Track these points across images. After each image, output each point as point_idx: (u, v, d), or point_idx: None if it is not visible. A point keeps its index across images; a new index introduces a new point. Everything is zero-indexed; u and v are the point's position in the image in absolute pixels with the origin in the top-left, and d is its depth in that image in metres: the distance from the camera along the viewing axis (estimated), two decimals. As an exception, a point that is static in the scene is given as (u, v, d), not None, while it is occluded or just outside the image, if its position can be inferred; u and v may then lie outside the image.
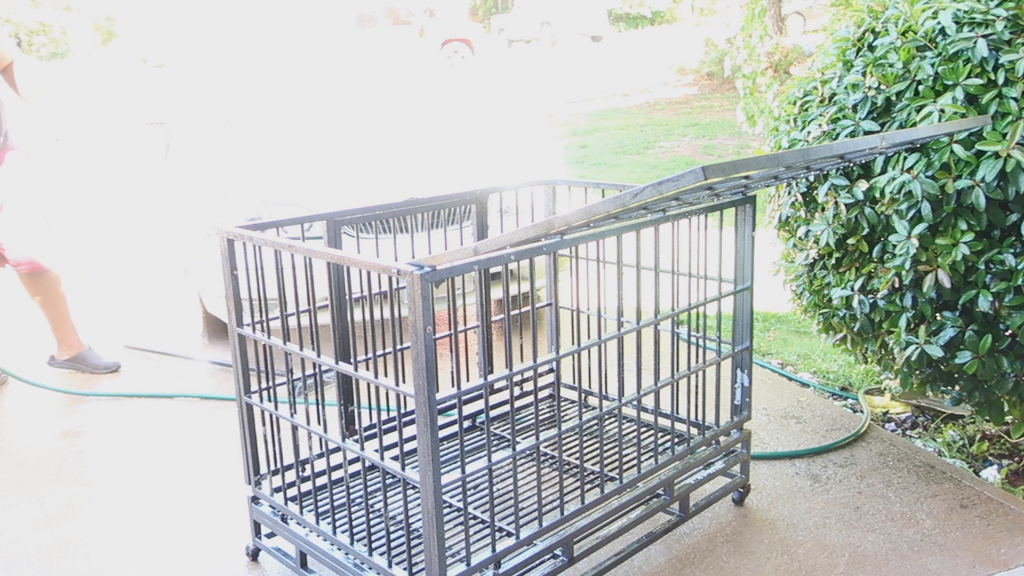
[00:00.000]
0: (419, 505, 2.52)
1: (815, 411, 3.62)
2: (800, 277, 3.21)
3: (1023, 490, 3.02)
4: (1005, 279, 2.48)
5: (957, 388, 2.79)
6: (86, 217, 7.89)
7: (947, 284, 2.53)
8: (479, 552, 2.21)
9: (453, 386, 2.37)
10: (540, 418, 3.05)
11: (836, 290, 2.90)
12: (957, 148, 2.48)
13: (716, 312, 2.84)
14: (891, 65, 2.74)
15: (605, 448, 2.89)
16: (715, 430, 2.77)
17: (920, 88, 2.64)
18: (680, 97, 15.32)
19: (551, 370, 3.32)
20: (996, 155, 2.42)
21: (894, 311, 2.71)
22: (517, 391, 3.21)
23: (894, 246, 2.64)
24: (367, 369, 2.57)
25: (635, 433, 2.62)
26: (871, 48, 2.90)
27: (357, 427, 2.59)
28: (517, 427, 3.07)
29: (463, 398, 2.20)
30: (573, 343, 2.85)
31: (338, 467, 2.62)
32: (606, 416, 2.58)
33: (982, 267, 2.51)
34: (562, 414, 3.20)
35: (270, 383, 2.45)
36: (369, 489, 2.53)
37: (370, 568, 2.24)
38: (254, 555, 2.64)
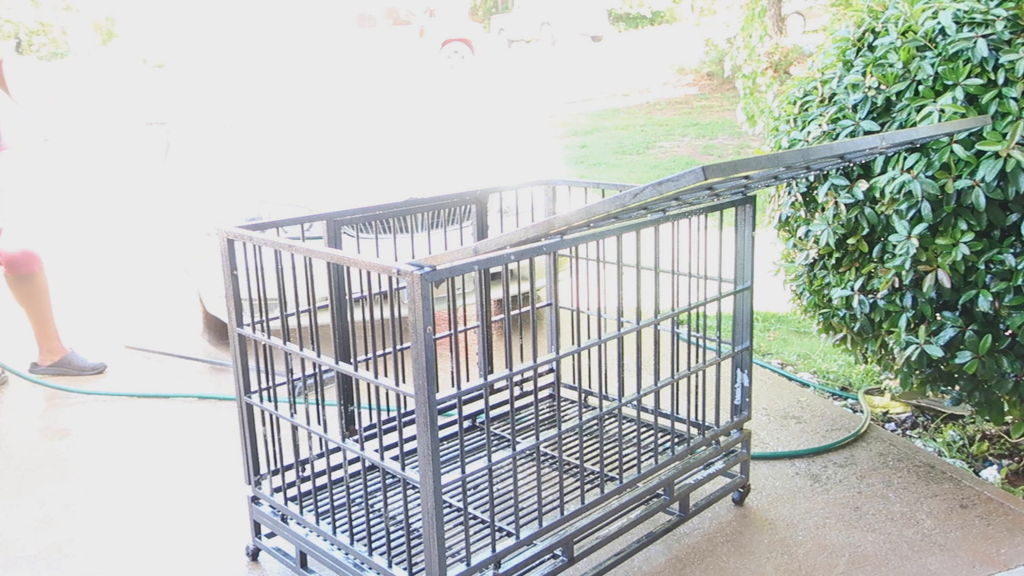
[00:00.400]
0: (419, 505, 2.51)
1: (815, 411, 3.62)
2: (800, 277, 3.21)
3: (1023, 490, 3.02)
4: (1005, 279, 2.48)
5: (957, 388, 2.79)
6: (85, 217, 7.89)
7: (947, 284, 2.53)
8: (479, 552, 2.21)
9: (453, 386, 2.37)
10: (540, 418, 3.05)
11: (836, 290, 2.90)
12: (957, 148, 2.48)
13: (716, 312, 2.84)
14: (891, 65, 2.74)
15: (605, 448, 2.89)
16: (715, 430, 2.77)
17: (920, 88, 2.64)
18: (680, 97, 15.32)
19: (551, 370, 3.32)
20: (996, 155, 2.42)
21: (894, 311, 2.71)
22: (517, 391, 3.21)
23: (894, 246, 2.64)
24: (367, 369, 2.57)
25: (635, 433, 2.62)
26: (871, 48, 2.90)
27: (357, 427, 2.59)
28: (517, 427, 3.07)
29: (463, 398, 2.20)
30: (573, 343, 2.85)
31: (338, 467, 2.62)
32: (606, 416, 2.58)
33: (982, 267, 2.51)
34: (562, 414, 3.20)
35: (270, 383, 2.45)
36: (369, 489, 2.53)
37: (370, 568, 2.24)
38: (254, 555, 2.64)
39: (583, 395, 2.96)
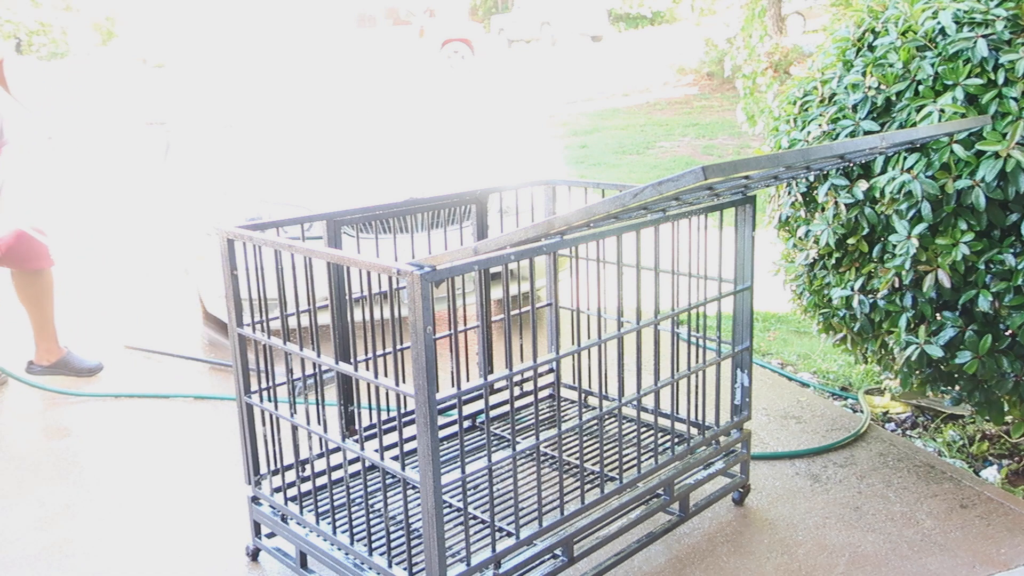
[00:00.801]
0: (419, 505, 2.51)
1: (815, 411, 3.62)
2: (800, 277, 3.21)
3: (1023, 490, 3.02)
4: (1005, 279, 2.48)
5: (957, 388, 2.79)
6: (85, 217, 7.89)
7: (947, 284, 2.53)
8: (479, 552, 2.21)
9: (453, 386, 2.37)
10: (540, 418, 3.05)
11: (836, 290, 2.90)
12: (957, 148, 2.48)
13: (716, 312, 2.84)
14: (891, 65, 2.74)
15: (605, 448, 2.89)
16: (715, 430, 2.77)
17: (920, 88, 2.64)
18: (680, 97, 15.32)
19: (551, 370, 3.32)
20: (996, 155, 2.42)
21: (894, 311, 2.71)
22: (517, 391, 3.21)
23: (894, 246, 2.64)
24: (367, 369, 2.57)
25: (635, 433, 2.62)
26: (871, 48, 2.90)
27: (357, 427, 2.59)
28: (517, 427, 3.07)
29: (463, 398, 2.20)
30: (573, 343, 2.85)
31: (338, 467, 2.62)
32: (606, 416, 2.58)
33: (982, 267, 2.51)
34: (562, 414, 3.20)
35: (270, 383, 2.45)
36: (369, 489, 2.53)
37: (370, 568, 2.24)
38: (254, 555, 2.64)
39: (583, 395, 2.96)
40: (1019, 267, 2.44)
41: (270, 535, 2.62)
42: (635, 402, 2.50)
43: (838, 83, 2.92)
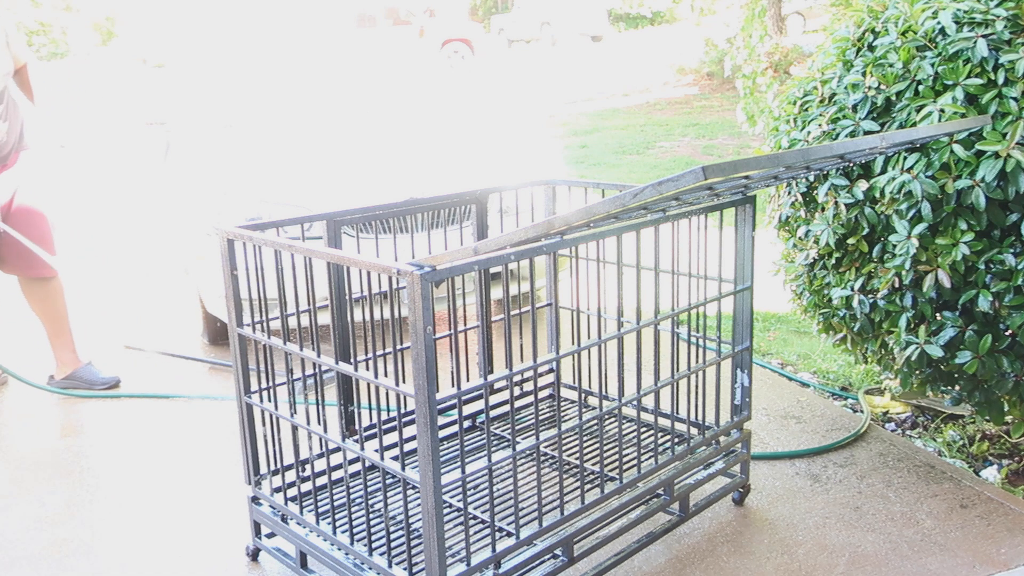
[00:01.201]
0: (419, 505, 2.51)
1: (815, 411, 3.62)
2: (800, 277, 3.21)
3: (1023, 490, 3.02)
4: (1005, 279, 2.48)
5: (957, 388, 2.79)
6: (86, 217, 7.89)
7: (947, 284, 2.53)
8: (479, 552, 2.21)
9: (453, 386, 2.37)
10: (540, 418, 3.05)
11: (836, 290, 2.90)
12: (957, 148, 2.48)
13: (716, 312, 2.84)
14: (891, 65, 2.74)
15: (605, 448, 2.89)
16: (715, 430, 2.77)
17: (920, 88, 2.64)
18: (680, 97, 15.32)
19: (551, 370, 3.32)
20: (996, 155, 2.42)
21: (894, 311, 2.71)
22: (517, 391, 3.21)
23: (894, 246, 2.64)
24: (367, 369, 2.57)
25: (635, 433, 2.62)
26: (871, 48, 2.90)
27: (357, 427, 2.59)
28: (517, 427, 3.07)
29: (463, 398, 2.20)
30: (573, 343, 2.85)
31: (338, 467, 2.62)
32: (606, 416, 2.58)
33: (982, 267, 2.51)
34: (562, 414, 3.20)
35: (270, 383, 2.45)
36: (369, 489, 2.53)
37: (370, 568, 2.24)
38: (254, 555, 2.64)
39: (583, 395, 2.96)
40: (1019, 267, 2.44)
41: (270, 535, 2.62)
42: (635, 402, 2.50)
43: (838, 83, 2.92)
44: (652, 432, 2.89)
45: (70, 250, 6.56)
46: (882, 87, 2.73)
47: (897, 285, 2.69)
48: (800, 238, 3.11)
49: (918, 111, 2.60)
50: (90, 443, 3.53)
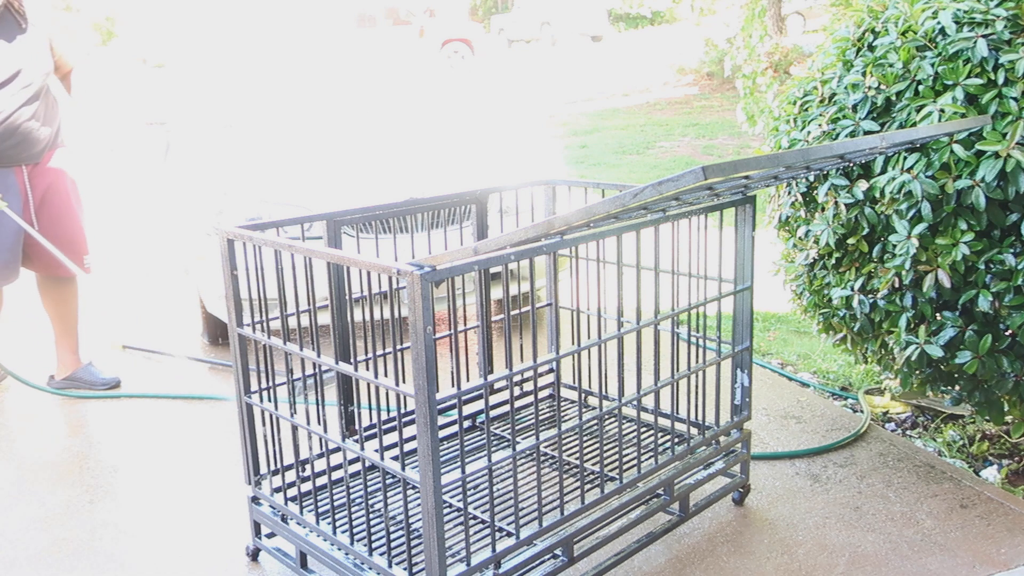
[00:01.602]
0: (419, 505, 2.51)
1: (815, 411, 3.62)
2: (800, 277, 3.21)
3: (1023, 490, 3.02)
4: (1005, 279, 2.48)
5: (957, 388, 2.79)
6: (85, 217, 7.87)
7: (947, 284, 2.53)
8: (479, 552, 2.21)
9: (453, 386, 2.37)
10: (540, 418, 3.05)
11: (836, 290, 2.90)
12: (957, 148, 2.48)
13: (716, 312, 2.84)
14: (891, 65, 2.74)
15: (605, 448, 2.89)
16: (715, 430, 2.77)
17: (920, 88, 2.64)
18: (680, 97, 15.32)
19: (551, 370, 3.32)
20: (996, 155, 2.42)
21: (894, 311, 2.71)
22: (517, 391, 3.21)
23: (894, 246, 2.64)
24: (367, 369, 2.57)
25: (635, 433, 2.62)
26: (871, 48, 2.90)
27: (357, 427, 2.59)
28: (517, 427, 3.07)
29: (463, 398, 2.20)
30: (573, 343, 2.85)
31: (338, 467, 2.62)
32: (606, 416, 2.58)
33: (982, 267, 2.51)
34: (562, 414, 3.20)
35: (270, 383, 2.45)
36: (369, 489, 2.53)
37: (370, 568, 2.24)
38: (254, 555, 2.64)
39: (583, 395, 2.96)
40: (1019, 267, 2.44)
41: (270, 535, 2.62)
42: (635, 402, 2.50)
43: (838, 83, 2.92)
44: (652, 432, 2.89)
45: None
46: (882, 87, 2.73)
47: (897, 285, 2.69)
48: (800, 238, 3.11)
49: (918, 111, 2.60)
50: (90, 443, 3.53)
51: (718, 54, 15.06)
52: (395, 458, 2.14)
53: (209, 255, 4.07)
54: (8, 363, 4.22)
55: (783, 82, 8.04)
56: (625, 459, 2.67)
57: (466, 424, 3.16)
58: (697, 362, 2.67)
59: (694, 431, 2.76)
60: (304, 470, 2.64)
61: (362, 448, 2.19)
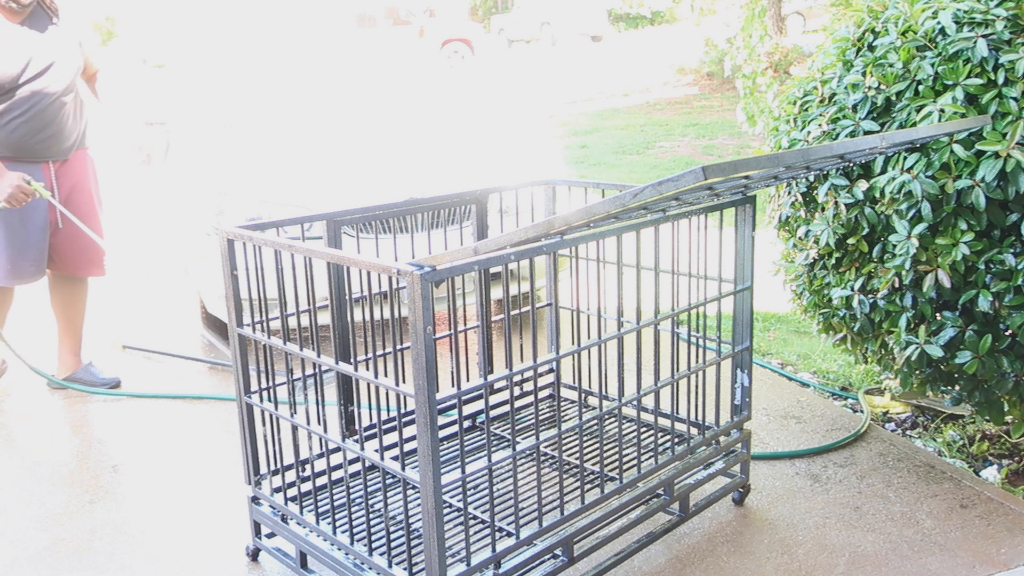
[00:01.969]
0: (419, 505, 2.51)
1: (815, 411, 3.62)
2: (800, 277, 3.21)
3: (1023, 490, 3.02)
4: (1005, 279, 2.48)
5: (957, 388, 2.79)
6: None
7: (947, 284, 2.53)
8: (479, 552, 2.21)
9: (453, 386, 2.37)
10: (540, 418, 3.05)
11: (836, 290, 2.90)
12: (957, 148, 2.48)
13: (716, 312, 2.84)
14: (891, 65, 2.74)
15: (605, 448, 2.89)
16: (715, 430, 2.77)
17: (920, 88, 2.64)
18: (680, 97, 15.32)
19: (551, 370, 3.32)
20: (996, 155, 2.42)
21: (894, 311, 2.71)
22: (517, 391, 3.21)
23: (894, 246, 2.64)
24: (367, 369, 2.57)
25: (635, 433, 2.62)
26: (871, 48, 2.90)
27: (357, 427, 2.59)
28: (517, 427, 3.07)
29: (463, 398, 2.20)
30: (573, 343, 2.85)
31: (338, 467, 2.62)
32: (606, 416, 2.58)
33: (982, 267, 2.51)
34: (562, 414, 3.20)
35: (270, 383, 2.45)
36: (369, 489, 2.53)
37: (370, 568, 2.24)
38: (254, 555, 2.64)
39: (583, 395, 2.96)
40: (1019, 267, 2.44)
41: (270, 535, 2.62)
42: (635, 402, 2.50)
43: (838, 83, 2.92)
44: (652, 432, 2.89)
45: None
46: (882, 87, 2.73)
47: (897, 285, 2.69)
48: (800, 238, 3.11)
49: (918, 111, 2.60)
50: (90, 443, 3.53)
51: (718, 54, 15.06)
52: (395, 458, 2.14)
53: (209, 255, 4.07)
54: (20, 355, 4.16)
55: (783, 82, 8.04)
56: (625, 459, 2.67)
57: (466, 424, 3.16)
58: (697, 362, 2.67)
59: (694, 431, 2.76)
60: (304, 470, 2.64)
61: (362, 448, 2.19)
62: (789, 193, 3.12)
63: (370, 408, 2.50)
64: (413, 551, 2.21)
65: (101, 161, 4.15)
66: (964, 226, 2.51)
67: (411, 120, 5.09)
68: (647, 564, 2.58)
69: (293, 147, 4.61)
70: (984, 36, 2.53)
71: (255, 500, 2.56)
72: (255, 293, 2.35)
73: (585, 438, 2.93)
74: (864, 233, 2.79)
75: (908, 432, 3.52)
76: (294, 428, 2.39)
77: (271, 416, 2.44)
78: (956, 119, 2.47)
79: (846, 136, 2.78)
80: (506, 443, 2.98)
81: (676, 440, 2.82)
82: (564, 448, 2.93)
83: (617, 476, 2.55)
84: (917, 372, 2.79)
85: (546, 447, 2.89)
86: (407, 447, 2.76)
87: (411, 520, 2.46)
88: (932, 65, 2.61)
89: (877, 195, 2.68)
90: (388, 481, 2.62)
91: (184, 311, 5.15)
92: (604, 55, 20.75)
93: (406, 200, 2.77)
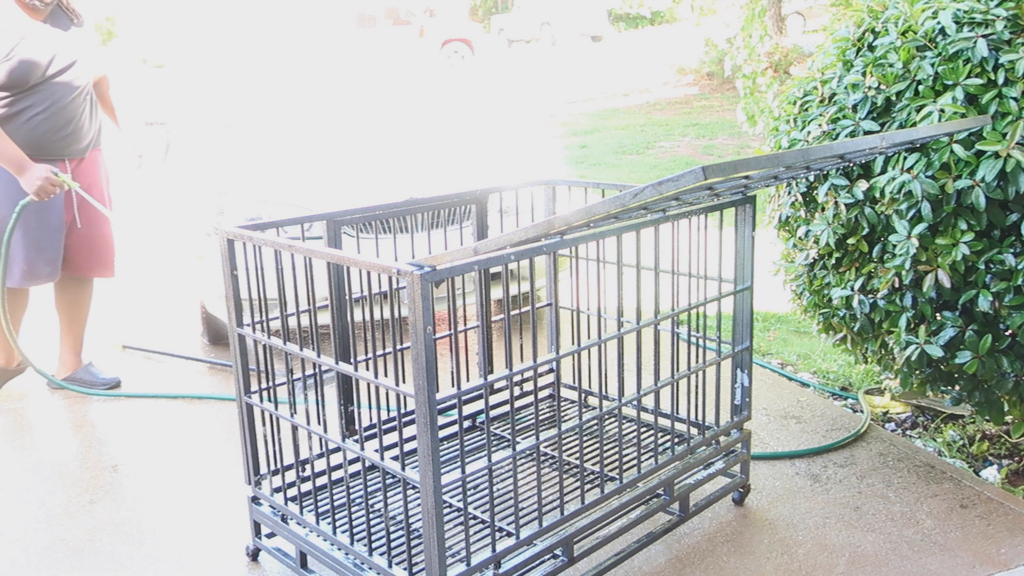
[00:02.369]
0: (419, 505, 2.52)
1: (815, 411, 3.62)
2: (800, 277, 3.21)
3: (1023, 490, 3.02)
4: (1005, 279, 2.48)
5: (957, 388, 2.79)
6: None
7: (947, 284, 2.53)
8: (479, 552, 2.21)
9: (453, 386, 2.37)
10: (540, 418, 3.05)
11: (836, 290, 2.90)
12: (957, 148, 2.48)
13: (716, 312, 2.84)
14: (891, 65, 2.74)
15: (605, 448, 2.89)
16: (715, 430, 2.77)
17: (920, 88, 2.64)
18: (680, 97, 15.32)
19: (551, 370, 3.32)
20: (996, 155, 2.42)
21: (894, 311, 2.71)
22: (517, 391, 3.21)
23: (894, 246, 2.64)
24: (367, 369, 2.57)
25: (635, 433, 2.62)
26: (871, 48, 2.90)
27: (357, 427, 2.59)
28: (517, 427, 3.07)
29: (463, 398, 2.20)
30: (573, 343, 2.85)
31: (338, 467, 2.62)
32: (606, 416, 2.58)
33: (982, 267, 2.51)
34: (562, 414, 3.20)
35: (270, 383, 2.45)
36: (369, 489, 2.53)
37: (370, 568, 2.24)
38: (254, 555, 2.64)
39: (583, 395, 2.97)
40: (1019, 267, 2.44)
41: (270, 535, 2.62)
42: (635, 402, 2.50)
43: (838, 83, 2.92)
44: (652, 432, 2.89)
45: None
46: (882, 87, 2.73)
47: (897, 285, 2.69)
48: (800, 238, 3.11)
49: (918, 111, 2.60)
50: (90, 443, 3.53)
51: (718, 54, 15.05)
52: (395, 458, 2.14)
53: (209, 255, 4.07)
54: (25, 354, 4.14)
55: (783, 82, 8.04)
56: (625, 459, 2.67)
57: (466, 424, 3.16)
58: (697, 362, 2.67)
59: (694, 431, 2.76)
60: (304, 470, 2.64)
61: (362, 448, 2.19)
62: (789, 193, 3.12)
63: (370, 408, 2.50)
64: (413, 551, 2.21)
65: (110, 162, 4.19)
66: (964, 226, 2.51)
67: (411, 120, 5.09)
68: (647, 564, 2.58)
69: (293, 147, 4.61)
70: (984, 36, 2.53)
71: (255, 500, 2.56)
72: (255, 293, 2.35)
73: (585, 438, 2.93)
74: (864, 233, 2.79)
75: (908, 432, 3.52)
76: (294, 428, 2.39)
77: (271, 416, 2.44)
78: (956, 119, 2.47)
79: (846, 136, 2.78)
80: (506, 443, 2.98)
81: (676, 440, 2.82)
82: (564, 448, 2.93)
83: (617, 476, 2.55)
84: (917, 372, 2.79)
85: (546, 447, 2.89)
86: (407, 447, 2.76)
87: (411, 520, 2.46)
88: (932, 65, 2.61)
89: (877, 195, 2.68)
90: (388, 481, 2.62)
91: (184, 311, 5.15)
92: (604, 55, 20.75)
93: (406, 200, 2.77)
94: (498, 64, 21.49)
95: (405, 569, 2.15)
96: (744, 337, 2.79)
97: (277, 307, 2.37)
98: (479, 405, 3.22)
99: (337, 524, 2.33)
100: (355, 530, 2.41)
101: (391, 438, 2.89)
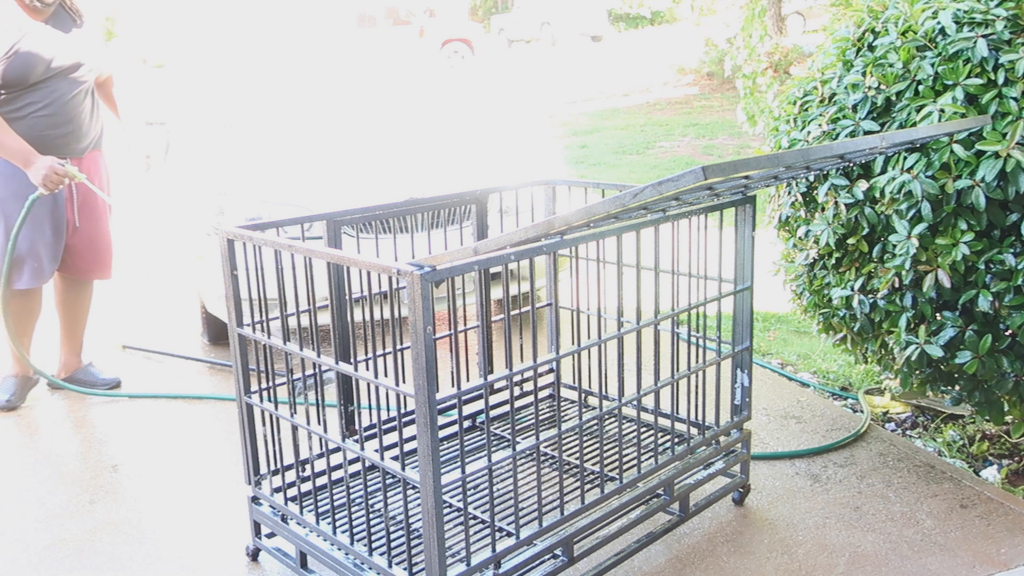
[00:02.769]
0: (419, 505, 2.52)
1: (815, 411, 3.62)
2: (800, 277, 3.21)
3: (1023, 490, 3.02)
4: (1005, 279, 2.48)
5: (957, 388, 2.79)
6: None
7: (947, 284, 2.53)
8: (479, 552, 2.21)
9: (453, 386, 2.37)
10: (540, 418, 3.05)
11: (836, 290, 2.90)
12: (957, 148, 2.48)
13: (716, 312, 2.84)
14: (891, 65, 2.74)
15: (605, 448, 2.89)
16: (715, 430, 2.77)
17: (920, 88, 2.64)
18: (680, 97, 15.32)
19: (551, 370, 3.32)
20: (996, 155, 2.42)
21: (894, 311, 2.71)
22: (517, 391, 3.21)
23: (894, 246, 2.64)
24: (367, 369, 2.57)
25: (635, 433, 2.62)
26: (871, 48, 2.90)
27: (357, 427, 2.59)
28: (517, 427, 3.07)
29: (463, 398, 2.20)
30: (573, 343, 2.85)
31: (338, 467, 2.62)
32: (606, 416, 2.58)
33: (982, 267, 2.51)
34: (562, 414, 3.20)
35: (270, 383, 2.45)
36: (369, 489, 2.53)
37: (370, 568, 2.24)
38: (254, 555, 2.64)
39: (583, 395, 2.96)
40: (1019, 267, 2.44)
41: (270, 535, 2.62)
42: (635, 402, 2.50)
43: (838, 83, 2.92)
44: (652, 432, 2.89)
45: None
46: (882, 87, 2.73)
47: (897, 285, 2.69)
48: (800, 238, 3.11)
49: (918, 111, 2.60)
50: (90, 443, 3.53)
51: (718, 54, 15.05)
52: (395, 458, 2.14)
53: (209, 255, 4.07)
54: (25, 356, 4.13)
55: (783, 82, 8.04)
56: (625, 459, 2.67)
57: (466, 424, 3.16)
58: (697, 362, 2.67)
59: (694, 431, 2.76)
60: (304, 470, 2.64)
61: (362, 448, 2.19)
62: (789, 193, 3.12)
63: (370, 408, 2.50)
64: (413, 551, 2.21)
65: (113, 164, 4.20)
66: (964, 226, 2.51)
67: (411, 120, 5.09)
68: (647, 564, 2.58)
69: (293, 147, 4.61)
70: (984, 36, 2.53)
71: (255, 500, 2.56)
72: (255, 293, 2.35)
73: (585, 438, 2.93)
74: (864, 233, 2.79)
75: (908, 432, 3.52)
76: (294, 428, 2.39)
77: (271, 416, 2.44)
78: (956, 119, 2.47)
79: (846, 136, 2.78)
80: (506, 443, 2.98)
81: (676, 440, 2.82)
82: (564, 448, 2.93)
83: (617, 476, 2.55)
84: (917, 372, 2.79)
85: (546, 447, 2.89)
86: (407, 447, 2.76)
87: (411, 520, 2.46)
88: (932, 65, 2.61)
89: (877, 195, 2.68)
90: (388, 481, 2.62)
91: (184, 311, 5.15)
92: (604, 55, 20.75)
93: (406, 200, 2.77)
94: (498, 64, 21.49)
95: (405, 569, 2.15)
96: (744, 337, 2.79)
97: (277, 307, 2.37)
98: (479, 405, 3.22)
99: (337, 524, 2.33)
100: (355, 530, 2.41)
101: (391, 438, 2.89)
